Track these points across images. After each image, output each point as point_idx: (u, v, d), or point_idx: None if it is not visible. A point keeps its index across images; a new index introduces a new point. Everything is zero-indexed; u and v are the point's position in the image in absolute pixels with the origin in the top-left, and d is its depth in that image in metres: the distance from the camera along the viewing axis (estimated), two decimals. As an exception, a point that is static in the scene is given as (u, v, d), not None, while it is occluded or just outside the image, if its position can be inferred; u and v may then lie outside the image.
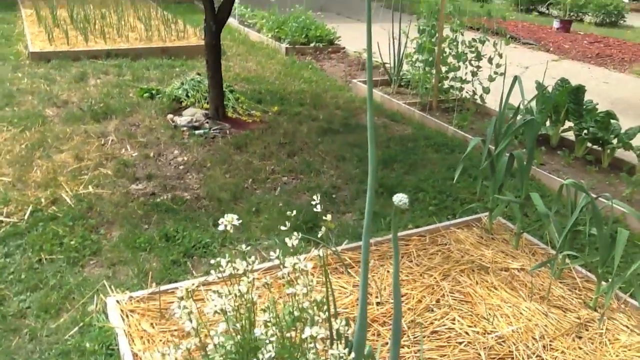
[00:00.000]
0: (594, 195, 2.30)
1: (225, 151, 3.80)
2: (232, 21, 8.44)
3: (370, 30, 1.30)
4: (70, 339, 2.08)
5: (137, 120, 4.28)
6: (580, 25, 11.66)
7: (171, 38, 6.85)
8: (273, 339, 1.30)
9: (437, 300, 2.29)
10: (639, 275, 2.21)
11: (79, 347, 2.02)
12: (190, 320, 1.29)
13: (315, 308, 1.45)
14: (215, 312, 1.26)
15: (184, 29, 7.18)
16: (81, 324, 2.15)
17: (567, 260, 2.48)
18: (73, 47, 6.16)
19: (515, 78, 2.71)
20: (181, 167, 3.57)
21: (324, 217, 1.63)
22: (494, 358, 1.99)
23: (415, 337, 2.06)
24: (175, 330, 2.03)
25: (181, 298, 1.39)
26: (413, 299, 2.28)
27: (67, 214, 2.91)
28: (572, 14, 12.00)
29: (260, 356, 1.28)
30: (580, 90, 4.19)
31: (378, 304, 2.24)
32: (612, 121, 3.99)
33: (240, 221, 1.49)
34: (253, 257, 1.55)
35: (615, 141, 3.93)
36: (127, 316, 2.08)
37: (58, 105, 4.53)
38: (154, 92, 4.81)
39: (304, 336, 1.25)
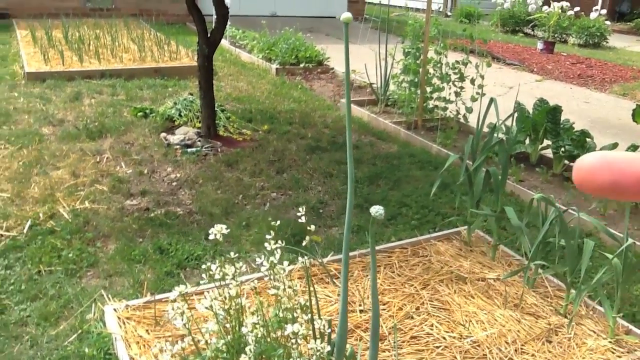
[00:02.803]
0: (563, 208, 2.45)
1: (216, 168, 3.95)
2: (223, 42, 8.63)
3: (348, 55, 1.46)
4: (69, 345, 2.20)
5: (131, 138, 4.42)
6: (564, 46, 11.96)
7: (164, 59, 7.02)
8: (258, 337, 1.43)
9: (417, 308, 2.42)
10: (604, 284, 2.36)
11: (78, 352, 2.14)
12: (182, 319, 1.42)
13: (298, 310, 1.59)
14: (206, 308, 1.39)
15: (176, 49, 7.35)
16: (80, 331, 2.27)
17: (540, 270, 2.63)
18: (68, 67, 6.31)
19: (491, 100, 2.88)
20: (174, 183, 3.71)
21: (308, 228, 1.77)
22: (469, 361, 2.13)
23: (395, 342, 2.19)
24: (170, 336, 2.15)
25: (174, 300, 1.52)
26: (394, 306, 2.42)
27: (65, 228, 3.03)
28: (556, 35, 12.32)
29: (249, 352, 1.42)
30: (557, 110, 4.38)
31: (361, 311, 2.38)
32: (587, 139, 4.17)
33: (229, 230, 1.63)
34: (241, 264, 1.69)
35: (590, 158, 4.10)
36: (123, 323, 2.20)
37: (54, 124, 4.66)
38: (147, 111, 4.96)
39: (285, 333, 1.39)
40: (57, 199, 3.33)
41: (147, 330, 2.19)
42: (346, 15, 1.43)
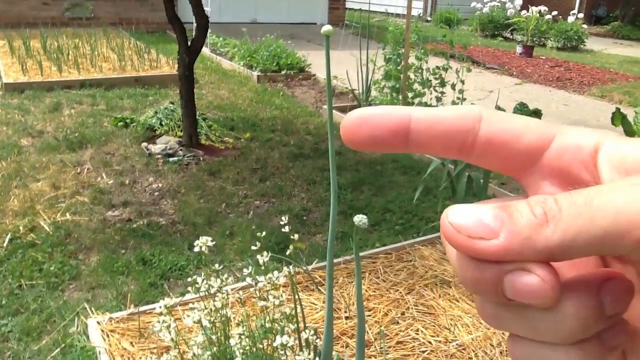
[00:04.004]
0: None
1: (199, 177, 3.93)
2: (204, 50, 8.60)
3: (329, 69, 1.46)
4: (52, 359, 2.17)
5: (112, 149, 4.39)
6: (543, 50, 12.11)
7: (144, 67, 6.98)
8: (245, 349, 1.43)
9: (402, 313, 2.43)
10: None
11: (61, 367, 2.12)
12: (169, 333, 1.41)
13: (285, 320, 1.58)
14: (194, 322, 1.38)
15: (156, 58, 7.31)
16: (63, 345, 2.24)
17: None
18: (47, 77, 6.25)
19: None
20: (156, 193, 3.68)
21: (291, 237, 1.77)
22: (455, 365, 2.14)
23: (381, 348, 2.19)
24: (154, 347, 2.13)
25: (160, 313, 1.51)
26: (380, 312, 2.42)
27: (46, 240, 2.99)
28: (534, 39, 12.47)
29: (235, 363, 1.41)
30: (537, 114, 4.42)
31: (347, 318, 2.38)
32: (567, 142, 4.22)
33: (215, 243, 1.62)
34: (227, 275, 1.68)
35: (570, 161, 4.16)
36: (107, 336, 2.18)
37: (33, 135, 4.61)
38: (128, 121, 4.93)
39: (275, 344, 1.38)
40: (38, 212, 3.29)
41: (131, 343, 2.17)
42: (327, 28, 1.42)
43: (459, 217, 0.24)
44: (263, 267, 1.65)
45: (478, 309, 0.26)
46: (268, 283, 1.47)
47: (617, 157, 0.25)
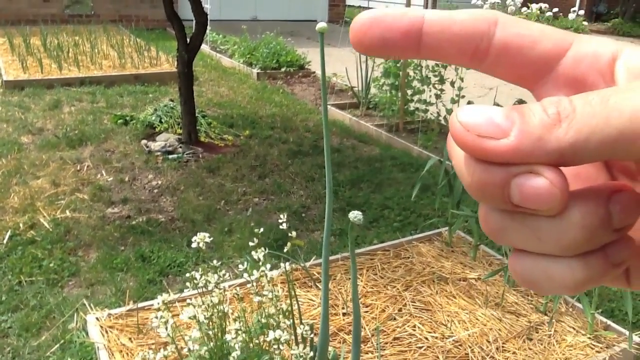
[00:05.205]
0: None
1: (198, 175, 3.94)
2: (204, 47, 8.60)
3: (324, 67, 1.47)
4: (51, 355, 2.18)
5: (112, 146, 4.40)
6: (542, 46, 12.08)
7: (144, 65, 6.99)
8: (241, 344, 1.44)
9: (400, 310, 2.45)
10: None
11: (60, 362, 2.13)
12: (166, 328, 1.42)
13: (280, 315, 1.59)
14: (189, 318, 1.40)
15: (156, 55, 7.32)
16: (62, 341, 2.26)
17: (520, 270, 2.66)
18: (47, 75, 6.26)
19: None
20: (155, 190, 3.70)
21: (289, 234, 1.78)
22: (451, 360, 2.16)
23: (377, 344, 2.21)
24: (153, 343, 2.14)
25: (158, 309, 1.52)
26: (377, 308, 2.44)
27: (45, 237, 3.01)
28: (534, 36, 12.43)
29: (231, 359, 1.42)
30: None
31: (344, 314, 2.39)
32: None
33: (213, 239, 1.63)
34: (224, 271, 1.70)
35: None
36: (106, 332, 2.19)
37: (33, 132, 4.62)
38: (127, 118, 4.94)
39: (268, 339, 1.40)
40: (38, 209, 3.31)
41: (130, 339, 2.18)
42: (321, 25, 1.43)
43: (469, 116, 0.23)
44: (261, 263, 1.66)
45: (481, 222, 0.25)
46: (260, 279, 1.48)
47: (636, 66, 0.25)
